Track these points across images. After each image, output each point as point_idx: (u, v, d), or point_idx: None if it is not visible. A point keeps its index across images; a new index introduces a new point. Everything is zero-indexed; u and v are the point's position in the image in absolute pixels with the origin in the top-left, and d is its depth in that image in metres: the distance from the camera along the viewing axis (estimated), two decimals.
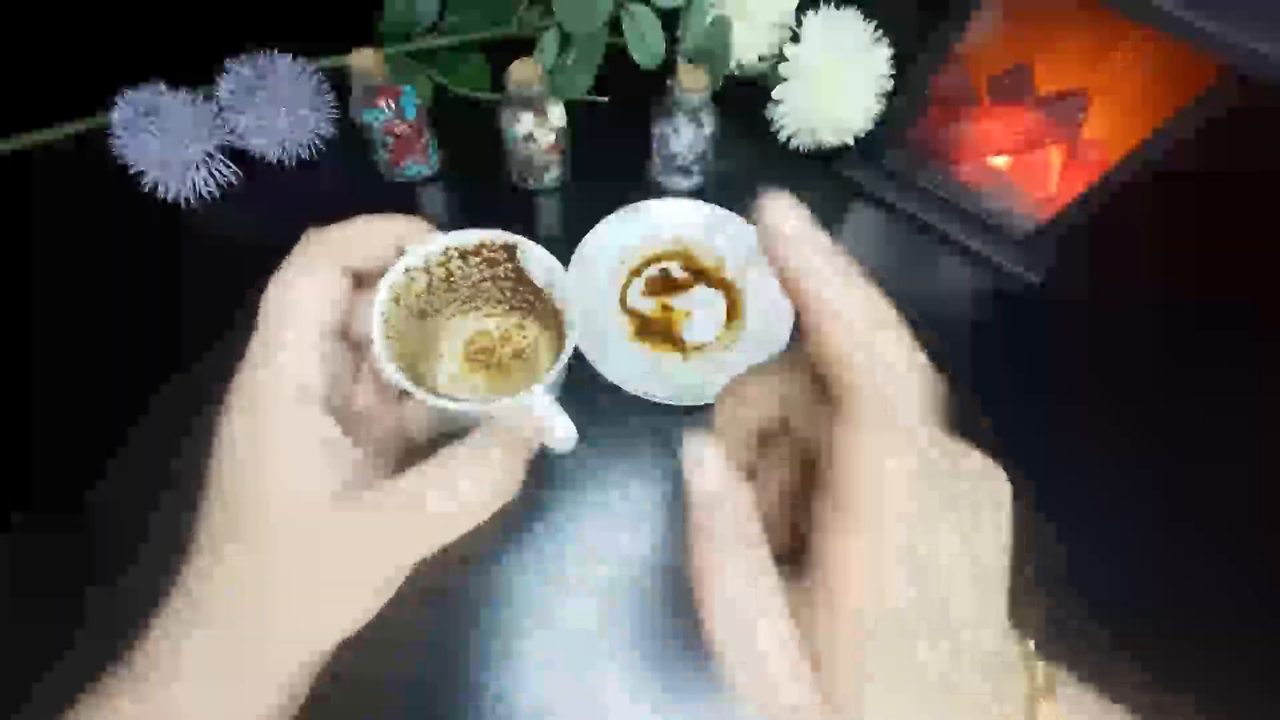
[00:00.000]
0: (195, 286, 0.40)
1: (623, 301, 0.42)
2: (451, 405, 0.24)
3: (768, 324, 0.41)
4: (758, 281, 0.42)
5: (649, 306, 0.42)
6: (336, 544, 0.21)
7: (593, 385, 0.38)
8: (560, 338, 0.27)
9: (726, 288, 0.43)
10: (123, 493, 0.35)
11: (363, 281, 0.25)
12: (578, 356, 0.38)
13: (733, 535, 0.18)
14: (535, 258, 0.28)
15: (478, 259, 0.28)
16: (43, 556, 0.34)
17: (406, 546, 0.22)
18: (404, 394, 0.27)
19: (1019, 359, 0.43)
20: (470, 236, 0.27)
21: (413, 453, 0.23)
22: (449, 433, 0.24)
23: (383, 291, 0.25)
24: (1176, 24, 0.30)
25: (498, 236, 0.27)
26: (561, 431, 0.25)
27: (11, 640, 0.31)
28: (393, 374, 0.24)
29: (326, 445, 0.22)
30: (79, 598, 0.31)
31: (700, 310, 0.42)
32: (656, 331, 0.41)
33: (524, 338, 0.32)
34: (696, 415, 0.39)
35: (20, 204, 0.42)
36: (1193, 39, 0.30)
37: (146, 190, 0.42)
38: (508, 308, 0.32)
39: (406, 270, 0.26)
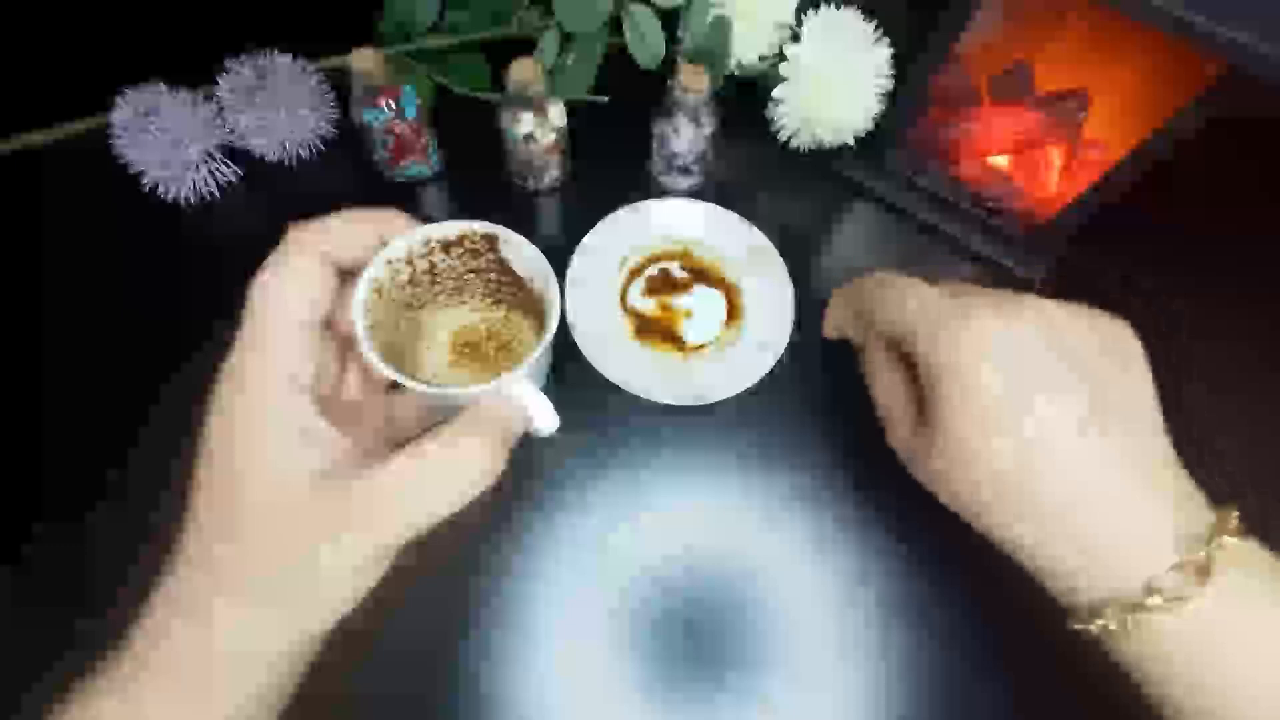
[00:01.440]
0: (195, 286, 0.40)
1: (623, 301, 0.42)
2: (429, 389, 0.24)
3: (768, 324, 0.41)
4: (758, 281, 0.42)
5: (649, 306, 0.42)
6: (314, 523, 0.21)
7: (593, 385, 0.38)
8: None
9: (726, 288, 0.43)
10: (123, 492, 0.35)
11: (350, 276, 0.25)
12: (578, 356, 0.38)
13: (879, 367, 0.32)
14: (516, 248, 0.28)
15: (460, 250, 0.28)
16: (43, 556, 0.34)
17: (386, 528, 0.22)
18: (392, 387, 0.27)
19: None
20: (451, 228, 0.27)
21: (402, 445, 0.23)
22: (438, 425, 0.24)
23: (363, 282, 0.25)
24: (1176, 24, 0.30)
25: (478, 227, 0.27)
26: (540, 416, 0.25)
27: (11, 639, 0.31)
28: (373, 359, 0.24)
29: (305, 430, 0.22)
30: (78, 597, 0.31)
31: (700, 310, 0.42)
32: (656, 331, 0.41)
33: (510, 331, 0.32)
34: (696, 415, 0.39)
35: (20, 204, 0.42)
36: (1193, 39, 0.30)
37: (146, 190, 0.42)
38: (493, 301, 0.32)
39: (388, 262, 0.26)
